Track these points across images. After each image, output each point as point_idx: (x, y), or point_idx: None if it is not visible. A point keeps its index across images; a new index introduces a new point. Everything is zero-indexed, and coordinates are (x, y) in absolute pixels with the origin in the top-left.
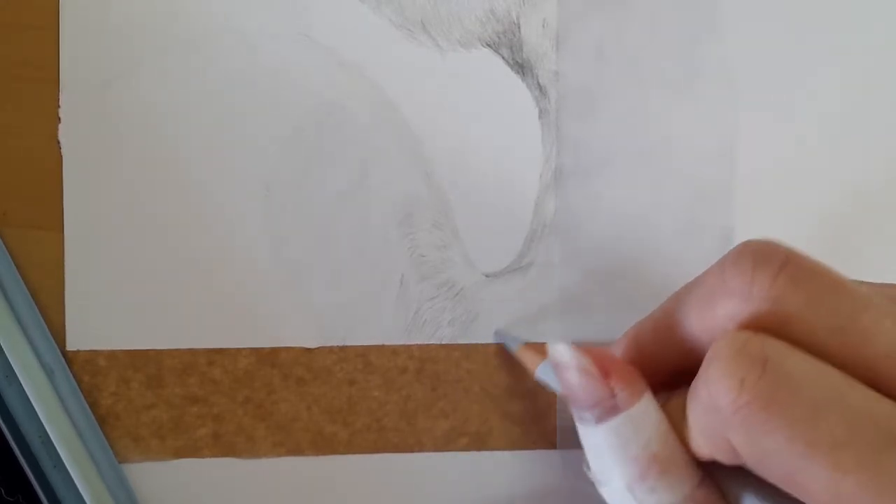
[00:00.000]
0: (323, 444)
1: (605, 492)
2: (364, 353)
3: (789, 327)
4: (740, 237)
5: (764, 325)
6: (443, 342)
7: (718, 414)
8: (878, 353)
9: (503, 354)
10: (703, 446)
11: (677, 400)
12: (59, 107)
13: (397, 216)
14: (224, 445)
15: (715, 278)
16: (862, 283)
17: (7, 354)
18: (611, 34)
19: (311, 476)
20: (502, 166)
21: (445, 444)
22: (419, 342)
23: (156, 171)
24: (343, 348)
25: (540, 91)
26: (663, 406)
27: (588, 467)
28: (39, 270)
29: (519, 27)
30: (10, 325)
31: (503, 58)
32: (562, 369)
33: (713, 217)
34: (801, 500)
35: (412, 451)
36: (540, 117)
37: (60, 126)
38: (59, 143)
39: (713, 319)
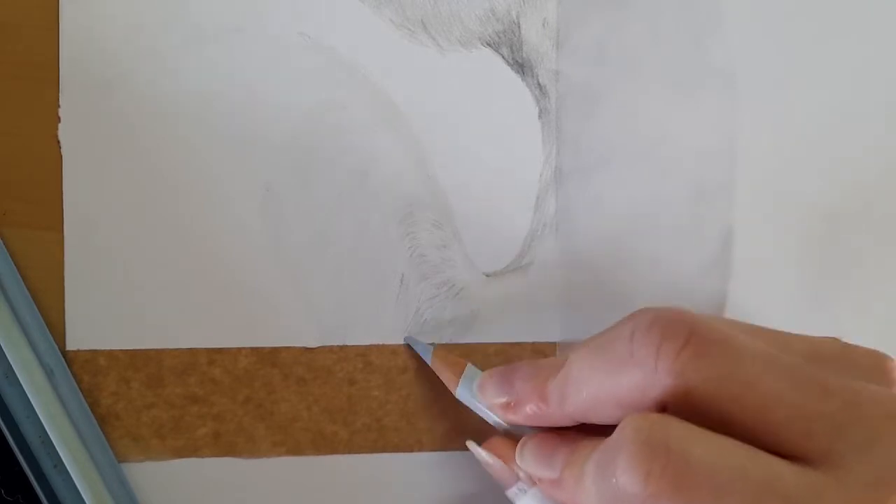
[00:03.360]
0: (323, 444)
1: None
2: (364, 352)
3: (694, 400)
4: (740, 237)
5: (669, 399)
6: (443, 342)
7: (626, 500)
8: (777, 418)
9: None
10: None
11: (575, 467)
12: (59, 107)
13: (397, 216)
14: (224, 445)
15: (624, 348)
16: (774, 337)
17: (7, 354)
18: (611, 33)
19: (311, 476)
20: (502, 166)
21: (445, 444)
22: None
23: (156, 170)
24: (343, 348)
25: (540, 90)
26: (563, 470)
27: None
28: (39, 270)
29: (519, 26)
30: (10, 325)
31: (503, 57)
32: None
33: (713, 217)
34: None
35: (412, 451)
36: (540, 117)
37: (60, 126)
38: (59, 142)
39: (620, 387)
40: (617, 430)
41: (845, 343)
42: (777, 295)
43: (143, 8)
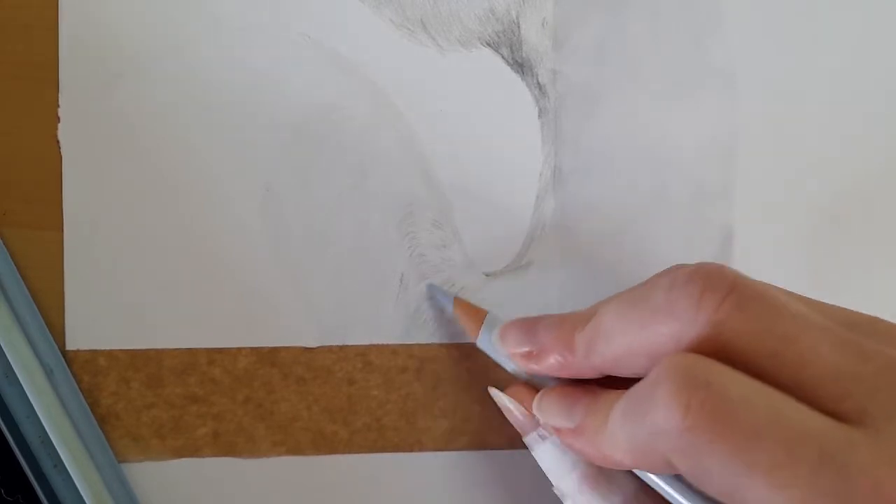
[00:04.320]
0: (323, 444)
1: None
2: (364, 352)
3: (731, 352)
4: (740, 237)
5: (706, 349)
6: (443, 341)
7: (662, 435)
8: (814, 375)
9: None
10: (625, 460)
11: (598, 415)
12: (58, 107)
13: (397, 216)
14: (224, 445)
15: (661, 298)
16: (811, 303)
17: (7, 354)
18: (610, 33)
19: (311, 476)
20: (502, 165)
21: (445, 444)
22: (419, 342)
23: (155, 170)
24: (343, 348)
25: (539, 90)
26: (585, 419)
27: (552, 484)
28: (39, 270)
29: (519, 26)
30: (10, 325)
31: (503, 57)
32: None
33: (713, 217)
34: None
35: (412, 450)
36: (539, 116)
37: (60, 126)
38: (58, 143)
39: (656, 337)
40: (656, 367)
41: (877, 317)
42: None
43: (142, 8)
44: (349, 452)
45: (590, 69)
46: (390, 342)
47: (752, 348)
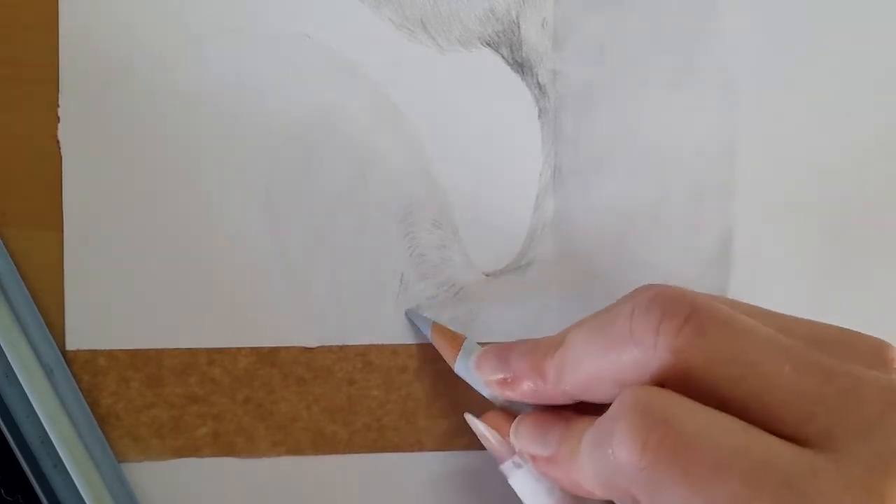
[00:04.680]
0: (323, 444)
1: None
2: (364, 352)
3: (693, 378)
4: (740, 236)
5: (669, 376)
6: None
7: (622, 471)
8: (778, 398)
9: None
10: (596, 490)
11: (570, 443)
12: (58, 107)
13: (397, 215)
14: (224, 445)
15: (623, 326)
16: (776, 318)
17: (7, 354)
18: (611, 33)
19: (311, 476)
20: (502, 165)
21: (445, 444)
22: (419, 342)
23: (155, 170)
24: (343, 348)
25: (539, 90)
26: (559, 447)
27: None
28: (39, 270)
29: (518, 26)
30: (10, 325)
31: (503, 57)
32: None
33: (713, 216)
34: None
35: (412, 450)
36: (539, 116)
37: (60, 126)
38: (58, 142)
39: (618, 365)
40: (616, 400)
41: (846, 329)
42: (777, 294)
43: (142, 8)
44: (349, 452)
45: (590, 69)
46: (390, 342)
47: (714, 374)
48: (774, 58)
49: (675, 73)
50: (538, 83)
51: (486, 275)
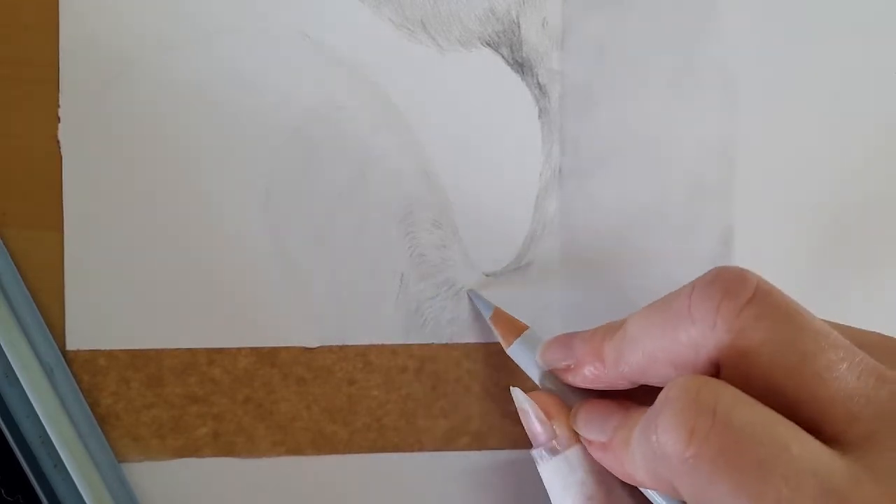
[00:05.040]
0: (323, 444)
1: None
2: (364, 352)
3: (748, 363)
4: (740, 236)
5: (723, 359)
6: (443, 341)
7: (666, 460)
8: (829, 397)
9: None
10: (645, 480)
11: (625, 431)
12: (58, 107)
13: (397, 215)
14: (224, 445)
15: (682, 303)
16: (834, 325)
17: (7, 354)
18: (611, 33)
19: (311, 476)
20: (502, 165)
21: (445, 444)
22: (419, 342)
23: (155, 170)
24: (343, 348)
25: (540, 90)
26: (615, 434)
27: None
28: (39, 270)
29: (519, 26)
30: (10, 325)
31: (503, 57)
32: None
33: (713, 216)
34: None
35: (412, 450)
36: (540, 116)
37: (60, 126)
38: (58, 143)
39: (675, 344)
40: (665, 387)
41: (887, 335)
42: None
43: (142, 8)
44: (349, 452)
45: (590, 69)
46: (390, 342)
47: (770, 361)
48: (774, 58)
49: (675, 73)
50: (538, 83)
51: (486, 275)
